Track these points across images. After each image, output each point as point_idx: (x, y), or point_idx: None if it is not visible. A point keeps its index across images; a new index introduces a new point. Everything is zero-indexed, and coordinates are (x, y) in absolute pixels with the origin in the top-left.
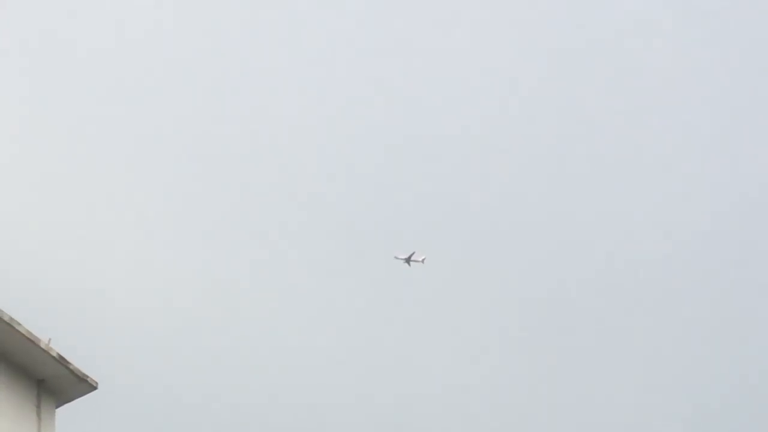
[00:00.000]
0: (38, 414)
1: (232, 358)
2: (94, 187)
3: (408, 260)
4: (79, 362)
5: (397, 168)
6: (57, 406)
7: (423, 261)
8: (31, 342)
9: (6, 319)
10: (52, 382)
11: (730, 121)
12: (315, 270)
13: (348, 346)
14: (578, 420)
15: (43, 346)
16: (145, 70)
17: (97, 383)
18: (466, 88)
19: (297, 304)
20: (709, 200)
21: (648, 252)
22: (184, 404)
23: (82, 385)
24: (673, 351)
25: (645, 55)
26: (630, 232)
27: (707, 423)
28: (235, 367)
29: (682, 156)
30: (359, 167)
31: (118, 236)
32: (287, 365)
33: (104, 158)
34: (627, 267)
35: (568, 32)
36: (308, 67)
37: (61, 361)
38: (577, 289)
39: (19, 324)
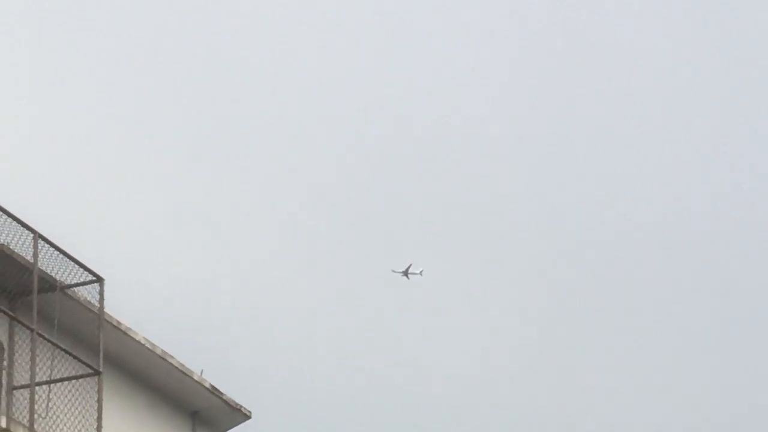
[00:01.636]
0: None
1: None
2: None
3: (406, 273)
4: (231, 392)
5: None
6: None
7: (421, 273)
8: (183, 374)
9: (159, 352)
10: (206, 413)
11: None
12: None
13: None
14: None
15: (195, 377)
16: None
17: (250, 412)
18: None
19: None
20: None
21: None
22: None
23: (236, 414)
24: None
25: None
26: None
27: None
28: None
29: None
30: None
31: (260, 265)
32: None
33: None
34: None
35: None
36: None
37: (214, 391)
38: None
39: (172, 357)
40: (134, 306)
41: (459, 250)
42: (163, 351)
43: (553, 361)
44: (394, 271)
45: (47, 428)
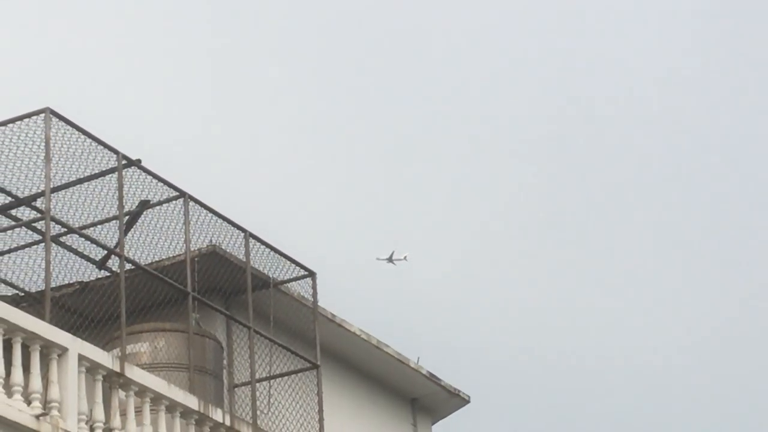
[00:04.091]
0: None
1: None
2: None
3: (390, 260)
4: (448, 377)
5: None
6: (432, 423)
7: (406, 258)
8: (400, 363)
9: (374, 342)
10: (425, 399)
11: None
12: None
13: None
14: None
15: (412, 365)
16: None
17: (469, 397)
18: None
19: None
20: None
21: None
22: (562, 411)
23: (455, 399)
24: None
25: None
26: None
27: None
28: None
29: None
30: None
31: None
32: None
33: None
34: None
35: None
36: None
37: (432, 378)
38: None
39: (387, 346)
40: (346, 297)
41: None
42: (378, 341)
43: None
44: (378, 259)
45: (270, 423)
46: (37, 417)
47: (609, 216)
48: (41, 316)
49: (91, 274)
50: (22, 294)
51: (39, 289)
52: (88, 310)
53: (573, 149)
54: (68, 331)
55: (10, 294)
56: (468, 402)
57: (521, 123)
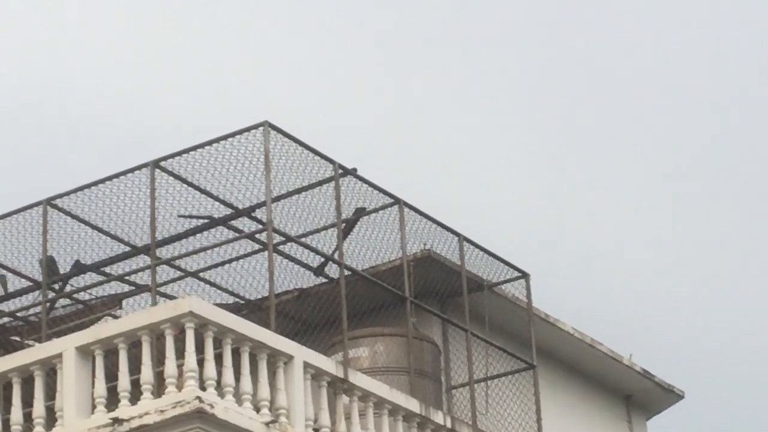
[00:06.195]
0: (630, 429)
1: None
2: None
3: None
4: (662, 372)
5: None
6: (647, 419)
7: None
8: (614, 360)
9: (588, 341)
10: (639, 396)
11: None
12: None
13: None
14: None
15: (626, 362)
16: None
17: (683, 392)
18: None
19: None
20: None
21: None
22: None
23: (669, 395)
24: None
25: None
26: None
27: None
28: None
29: None
30: None
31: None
32: None
33: None
34: None
35: None
36: None
37: (646, 374)
38: None
39: (601, 344)
40: (558, 297)
41: None
42: (591, 339)
43: None
44: None
45: (488, 424)
46: (267, 424)
47: None
48: (262, 323)
49: (309, 281)
50: (243, 302)
51: (258, 297)
52: (307, 316)
53: None
54: (287, 337)
55: (230, 302)
56: (682, 397)
57: None
